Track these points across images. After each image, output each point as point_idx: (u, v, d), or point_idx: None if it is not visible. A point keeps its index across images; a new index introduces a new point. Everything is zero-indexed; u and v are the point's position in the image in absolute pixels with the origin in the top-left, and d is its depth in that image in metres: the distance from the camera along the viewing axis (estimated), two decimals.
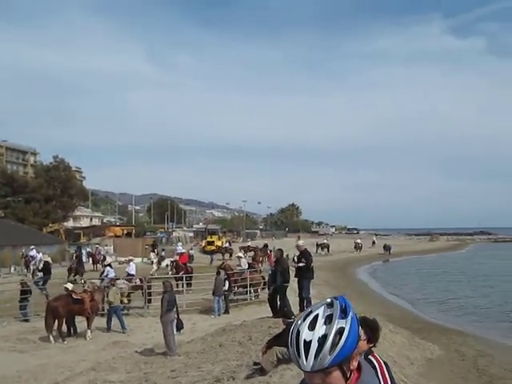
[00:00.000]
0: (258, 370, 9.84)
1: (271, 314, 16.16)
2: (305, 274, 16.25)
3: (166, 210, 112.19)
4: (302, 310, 16.05)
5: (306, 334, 1.83)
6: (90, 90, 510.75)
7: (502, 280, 39.96)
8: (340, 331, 1.82)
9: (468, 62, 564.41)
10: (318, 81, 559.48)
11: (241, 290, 24.47)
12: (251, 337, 13.55)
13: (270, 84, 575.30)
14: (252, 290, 24.40)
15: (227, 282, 21.49)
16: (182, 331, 15.92)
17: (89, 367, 13.47)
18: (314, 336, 1.82)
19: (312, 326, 1.84)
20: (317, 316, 1.86)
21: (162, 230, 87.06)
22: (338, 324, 1.83)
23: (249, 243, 63.52)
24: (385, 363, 4.31)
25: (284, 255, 17.17)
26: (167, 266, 38.50)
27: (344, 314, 1.87)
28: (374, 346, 4.50)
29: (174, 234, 79.95)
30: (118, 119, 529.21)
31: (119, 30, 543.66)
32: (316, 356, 1.80)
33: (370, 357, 4.28)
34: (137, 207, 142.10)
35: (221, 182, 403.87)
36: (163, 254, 43.69)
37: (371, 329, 4.43)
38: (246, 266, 26.07)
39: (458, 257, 69.80)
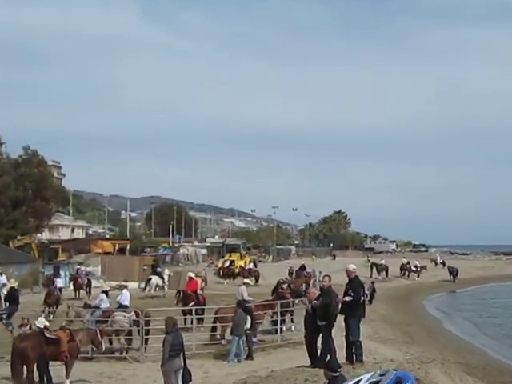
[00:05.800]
0: None
1: (309, 363, 16.04)
2: (352, 311, 15.96)
3: (171, 219, 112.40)
4: (349, 357, 15.87)
5: None
6: (67, 59, 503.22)
7: None
8: None
9: None
10: (364, 46, 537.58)
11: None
12: None
13: (304, 51, 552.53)
14: (284, 329, 24.28)
15: (249, 319, 21.31)
16: None
17: None
18: None
19: None
20: (359, 381, 2.05)
21: (166, 246, 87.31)
22: None
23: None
24: None
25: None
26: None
27: None
28: None
29: (182, 250, 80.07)
30: (106, 98, 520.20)
31: None
32: None
33: None
34: (133, 214, 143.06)
35: (245, 182, 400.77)
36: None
37: None
38: (249, 298, 24.59)
39: None
